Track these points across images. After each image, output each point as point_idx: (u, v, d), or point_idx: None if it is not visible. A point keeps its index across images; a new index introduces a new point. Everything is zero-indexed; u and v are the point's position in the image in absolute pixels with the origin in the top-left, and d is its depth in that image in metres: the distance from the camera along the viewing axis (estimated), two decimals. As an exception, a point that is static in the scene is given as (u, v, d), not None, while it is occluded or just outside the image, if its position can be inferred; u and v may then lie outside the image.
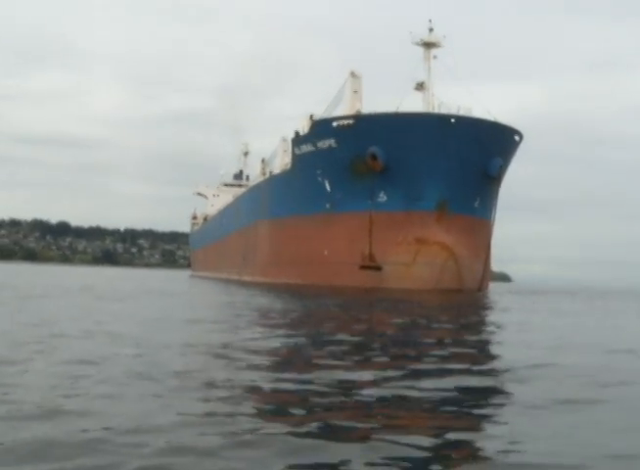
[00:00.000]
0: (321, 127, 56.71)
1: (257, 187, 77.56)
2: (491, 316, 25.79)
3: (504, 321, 21.94)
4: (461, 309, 29.07)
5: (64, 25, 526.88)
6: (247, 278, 73.08)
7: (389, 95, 62.66)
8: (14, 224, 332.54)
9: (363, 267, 53.83)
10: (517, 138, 57.36)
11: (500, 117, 55.49)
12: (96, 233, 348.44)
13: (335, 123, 55.46)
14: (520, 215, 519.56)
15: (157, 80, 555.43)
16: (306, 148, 58.40)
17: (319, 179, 57.24)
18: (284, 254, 62.24)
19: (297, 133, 60.23)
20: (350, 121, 54.63)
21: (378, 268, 53.49)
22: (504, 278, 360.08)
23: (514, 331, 17.93)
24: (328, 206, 56.80)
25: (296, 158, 60.75)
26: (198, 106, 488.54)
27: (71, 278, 63.22)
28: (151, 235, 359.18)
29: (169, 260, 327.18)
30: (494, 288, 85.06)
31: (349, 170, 54.16)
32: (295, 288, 47.76)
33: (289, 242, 60.99)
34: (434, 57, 59.25)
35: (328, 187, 56.77)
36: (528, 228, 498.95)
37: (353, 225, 54.04)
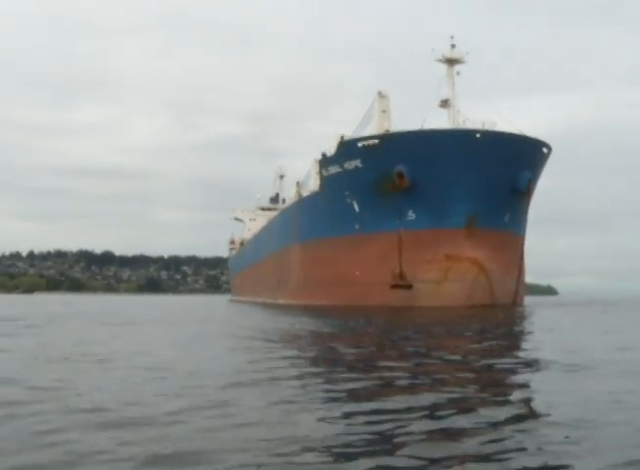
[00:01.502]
0: (347, 148, 56.91)
1: (288, 210, 78.02)
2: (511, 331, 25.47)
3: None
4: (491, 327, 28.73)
5: (101, 58, 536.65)
6: (281, 301, 73.32)
7: (418, 113, 62.79)
8: (59, 255, 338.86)
9: (394, 286, 53.70)
10: (545, 151, 56.91)
11: (541, 130, 55.41)
12: (140, 261, 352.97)
13: (360, 144, 55.62)
14: (566, 228, 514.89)
15: (193, 108, 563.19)
16: (334, 169, 58.62)
17: (347, 200, 57.36)
18: (315, 276, 62.31)
19: (324, 155, 60.44)
20: (376, 141, 54.75)
21: (409, 287, 53.33)
22: (550, 291, 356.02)
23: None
24: (357, 226, 56.86)
25: (323, 179, 61.00)
26: (234, 131, 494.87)
27: (139, 307, 64.03)
28: (194, 261, 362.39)
29: (213, 286, 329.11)
30: (536, 301, 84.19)
31: (377, 190, 54.19)
32: (325, 310, 47.67)
33: (320, 264, 61.06)
34: (458, 73, 59.33)
35: (356, 207, 56.84)
36: (576, 241, 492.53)
37: (383, 245, 53.98)
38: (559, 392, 9.45)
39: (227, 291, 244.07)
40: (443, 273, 52.33)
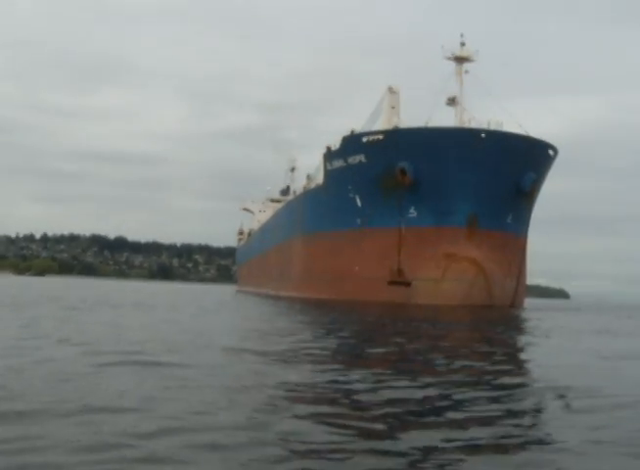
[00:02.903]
0: (351, 143, 56.77)
1: (293, 202, 78.03)
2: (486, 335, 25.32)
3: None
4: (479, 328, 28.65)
5: (125, 45, 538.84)
6: (283, 293, 73.35)
7: (429, 110, 62.61)
8: (73, 239, 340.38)
9: (392, 283, 53.56)
10: (551, 153, 56.53)
11: (557, 132, 55.06)
12: (152, 248, 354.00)
13: (364, 139, 55.45)
14: (580, 232, 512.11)
15: (215, 98, 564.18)
16: (338, 163, 58.50)
17: (350, 195, 57.22)
18: (316, 269, 62.28)
19: (328, 149, 60.28)
20: (380, 136, 54.57)
21: (407, 284, 53.17)
22: (562, 295, 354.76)
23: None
24: (359, 221, 56.72)
25: (327, 173, 60.90)
26: (250, 121, 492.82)
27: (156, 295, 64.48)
28: (206, 250, 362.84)
29: (224, 275, 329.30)
30: (541, 304, 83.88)
31: (379, 186, 54.02)
32: (323, 303, 47.68)
33: (321, 257, 61.02)
34: (466, 71, 58.98)
35: (359, 202, 56.70)
36: (589, 245, 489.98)
37: (384, 241, 53.83)
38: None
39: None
40: (442, 272, 52.06)
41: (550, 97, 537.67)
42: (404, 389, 9.35)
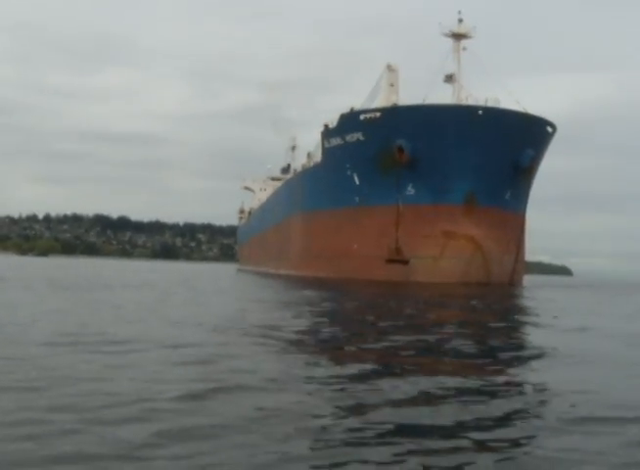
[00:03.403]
0: (349, 121, 56.55)
1: (292, 180, 77.89)
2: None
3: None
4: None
5: (127, 25, 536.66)
6: (282, 271, 73.47)
7: (427, 87, 62.13)
8: (76, 219, 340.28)
9: (389, 261, 53.57)
10: (549, 129, 56.31)
11: (554, 109, 54.82)
12: (155, 227, 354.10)
13: (362, 116, 55.24)
14: (582, 209, 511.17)
15: (215, 77, 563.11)
16: (335, 141, 58.31)
17: (348, 173, 57.07)
18: (315, 247, 62.30)
19: (326, 127, 60.03)
20: (377, 114, 54.38)
21: (404, 262, 53.18)
22: (565, 271, 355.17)
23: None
24: (357, 199, 56.63)
25: (325, 151, 60.72)
26: (254, 101, 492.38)
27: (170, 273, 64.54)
28: (209, 229, 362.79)
29: (227, 254, 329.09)
30: (542, 281, 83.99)
31: (377, 164, 53.88)
32: (320, 282, 47.83)
33: (320, 236, 61.00)
34: (464, 48, 58.60)
35: (357, 181, 56.58)
36: (591, 222, 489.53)
37: (382, 219, 53.75)
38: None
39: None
40: (440, 250, 52.07)
41: (551, 75, 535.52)
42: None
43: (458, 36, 58.44)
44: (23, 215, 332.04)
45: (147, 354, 9.86)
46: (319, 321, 17.42)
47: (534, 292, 45.82)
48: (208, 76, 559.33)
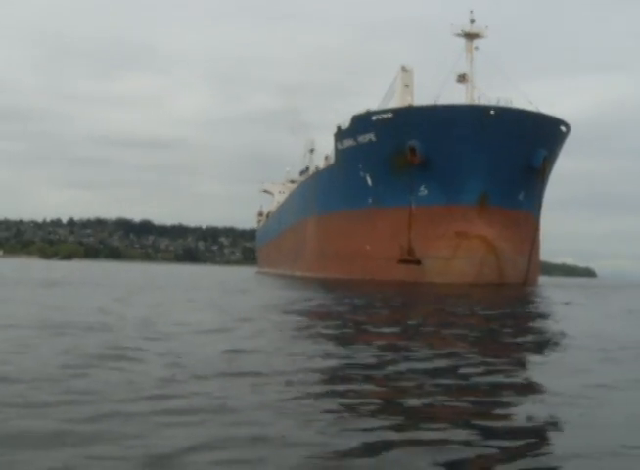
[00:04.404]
0: (361, 122, 56.63)
1: (306, 183, 78.06)
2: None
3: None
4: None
5: (146, 30, 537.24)
6: (297, 273, 73.60)
7: (441, 88, 61.98)
8: (99, 223, 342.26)
9: (402, 262, 53.52)
10: (563, 129, 56.02)
11: (579, 112, 54.72)
12: (178, 231, 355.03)
13: (374, 117, 55.30)
14: (609, 211, 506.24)
15: (236, 82, 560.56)
16: (348, 143, 58.42)
17: (361, 174, 57.17)
18: (329, 249, 62.39)
19: (338, 128, 60.15)
20: (389, 115, 54.42)
21: (417, 262, 53.11)
22: (589, 273, 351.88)
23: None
24: (370, 200, 56.71)
25: (338, 153, 60.88)
26: (274, 105, 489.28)
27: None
28: (231, 233, 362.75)
29: (249, 258, 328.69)
30: (562, 282, 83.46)
31: (390, 165, 53.90)
32: (332, 284, 47.91)
33: (334, 237, 61.10)
34: (476, 48, 58.46)
35: (370, 182, 56.65)
36: (618, 224, 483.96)
37: (395, 220, 53.74)
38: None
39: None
40: (453, 250, 51.94)
41: (572, 76, 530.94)
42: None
43: (470, 36, 58.33)
44: (48, 220, 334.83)
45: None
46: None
47: (548, 291, 45.68)
48: (228, 81, 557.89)
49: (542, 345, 12.69)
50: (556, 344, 12.78)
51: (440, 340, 12.76)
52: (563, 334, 14.36)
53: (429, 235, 52.10)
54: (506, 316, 20.56)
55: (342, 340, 11.95)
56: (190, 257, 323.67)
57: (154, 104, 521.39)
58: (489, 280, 50.48)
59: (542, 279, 65.16)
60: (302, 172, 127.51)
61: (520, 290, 45.47)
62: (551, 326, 17.60)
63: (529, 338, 14.12)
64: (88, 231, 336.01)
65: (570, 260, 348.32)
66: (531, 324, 18.47)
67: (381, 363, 9.13)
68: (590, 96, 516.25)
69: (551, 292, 45.40)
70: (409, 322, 17.19)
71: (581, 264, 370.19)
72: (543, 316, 21.57)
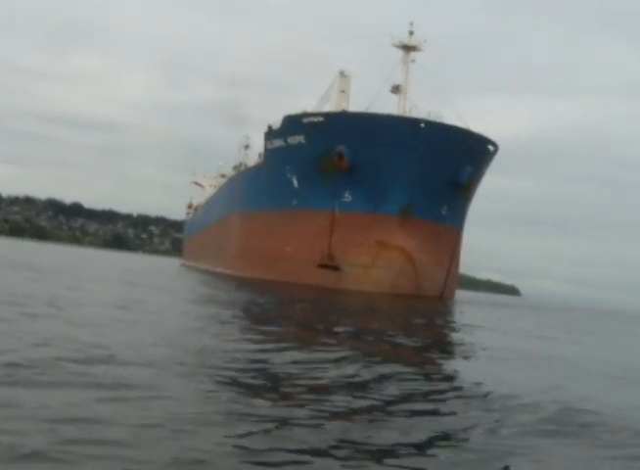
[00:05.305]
0: (292, 123, 56.33)
1: (234, 179, 77.51)
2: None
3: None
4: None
5: (97, 7, 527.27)
6: (219, 270, 72.93)
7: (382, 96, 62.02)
8: (28, 202, 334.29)
9: (321, 266, 53.34)
10: (491, 148, 56.65)
11: (524, 131, 55.10)
12: (108, 216, 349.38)
13: (305, 120, 55.07)
14: (537, 232, 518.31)
15: (185, 69, 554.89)
16: (278, 143, 58.09)
17: (288, 175, 56.88)
18: (251, 247, 61.96)
19: (269, 127, 59.77)
20: (320, 119, 54.26)
21: (335, 268, 53.01)
22: (513, 291, 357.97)
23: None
24: (294, 202, 56.45)
25: (267, 152, 60.53)
26: (218, 97, 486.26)
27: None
28: (162, 222, 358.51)
29: (178, 249, 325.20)
30: (479, 298, 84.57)
31: (317, 168, 53.74)
32: (248, 283, 47.45)
33: (256, 236, 60.76)
34: (413, 60, 58.73)
35: (296, 184, 56.39)
36: (545, 245, 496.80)
37: (317, 223, 53.60)
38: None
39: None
40: (372, 259, 52.07)
41: (518, 96, 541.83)
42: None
43: (407, 48, 58.57)
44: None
45: None
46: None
47: (460, 307, 46.02)
48: (176, 68, 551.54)
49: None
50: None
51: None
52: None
53: (349, 242, 52.08)
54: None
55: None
56: (119, 243, 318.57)
57: (99, 84, 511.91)
58: (406, 291, 50.79)
59: (462, 294, 65.70)
60: (235, 168, 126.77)
61: (432, 304, 45.69)
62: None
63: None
64: (15, 208, 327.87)
65: (495, 277, 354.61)
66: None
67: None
68: (527, 117, 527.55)
69: (465, 309, 45.82)
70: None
71: (507, 282, 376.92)
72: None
